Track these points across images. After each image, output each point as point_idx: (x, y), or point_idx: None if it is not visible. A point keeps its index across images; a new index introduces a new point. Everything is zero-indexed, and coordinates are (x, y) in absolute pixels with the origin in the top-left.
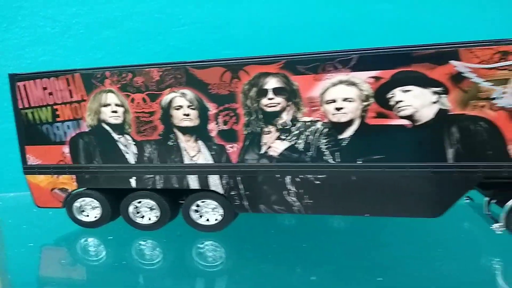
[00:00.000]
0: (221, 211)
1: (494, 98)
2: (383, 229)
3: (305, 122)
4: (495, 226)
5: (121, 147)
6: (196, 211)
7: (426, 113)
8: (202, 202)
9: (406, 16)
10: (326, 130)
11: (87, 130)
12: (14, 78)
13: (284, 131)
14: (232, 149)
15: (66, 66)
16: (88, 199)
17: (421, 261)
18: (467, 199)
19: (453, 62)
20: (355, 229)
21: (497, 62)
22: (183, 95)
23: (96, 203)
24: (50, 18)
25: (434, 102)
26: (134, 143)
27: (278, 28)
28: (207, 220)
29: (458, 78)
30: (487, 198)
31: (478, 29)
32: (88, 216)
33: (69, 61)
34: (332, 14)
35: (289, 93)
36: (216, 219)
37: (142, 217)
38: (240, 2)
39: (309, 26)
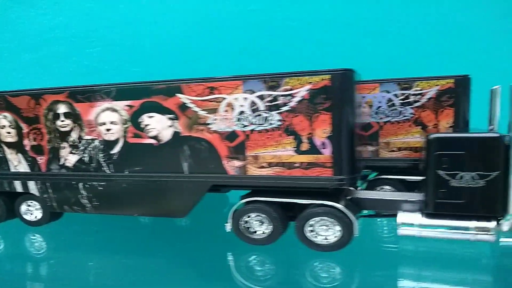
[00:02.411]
0: (41, 210)
1: (209, 124)
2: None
3: (87, 140)
4: (226, 224)
5: None
6: (28, 210)
7: (166, 134)
8: (32, 202)
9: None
10: (102, 146)
11: None
12: None
13: (74, 146)
14: (41, 160)
15: None
16: None
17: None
18: None
19: (178, 95)
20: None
21: (207, 95)
22: (5, 117)
23: None
24: None
25: (170, 126)
26: None
27: (182, 48)
28: (36, 217)
29: (183, 107)
30: None
31: None
32: None
33: None
34: (233, 35)
35: (74, 116)
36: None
37: None
38: (146, 25)
39: (211, 47)
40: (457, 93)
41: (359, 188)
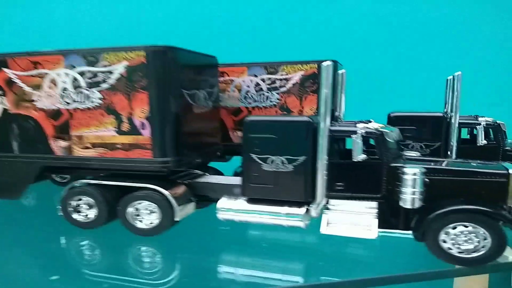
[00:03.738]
0: None
1: (34, 100)
2: None
3: None
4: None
5: None
6: None
7: None
8: None
9: None
10: None
11: None
12: None
13: None
14: None
15: None
16: None
17: None
18: None
19: (5, 70)
20: None
21: (31, 70)
22: None
23: None
24: None
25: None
26: None
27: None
28: None
29: (10, 83)
30: None
31: None
32: None
33: None
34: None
35: None
36: None
37: None
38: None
39: None
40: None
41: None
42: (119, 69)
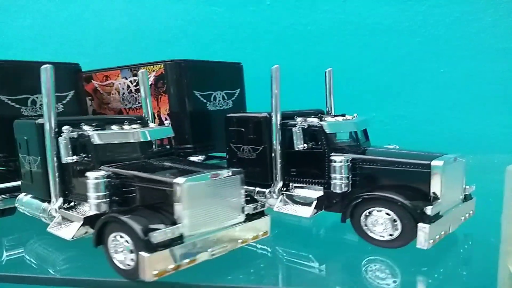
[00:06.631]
0: None
1: None
2: None
3: None
4: None
5: None
6: None
7: None
8: None
9: None
10: None
11: None
12: None
13: None
14: None
15: None
16: None
17: None
18: None
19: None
20: None
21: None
22: None
23: None
24: None
25: None
26: None
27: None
28: None
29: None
30: None
31: None
32: None
33: None
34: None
35: None
36: None
37: None
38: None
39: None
40: (168, 79)
41: None
42: None
